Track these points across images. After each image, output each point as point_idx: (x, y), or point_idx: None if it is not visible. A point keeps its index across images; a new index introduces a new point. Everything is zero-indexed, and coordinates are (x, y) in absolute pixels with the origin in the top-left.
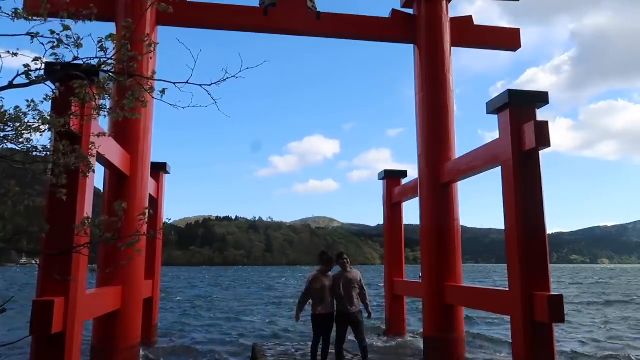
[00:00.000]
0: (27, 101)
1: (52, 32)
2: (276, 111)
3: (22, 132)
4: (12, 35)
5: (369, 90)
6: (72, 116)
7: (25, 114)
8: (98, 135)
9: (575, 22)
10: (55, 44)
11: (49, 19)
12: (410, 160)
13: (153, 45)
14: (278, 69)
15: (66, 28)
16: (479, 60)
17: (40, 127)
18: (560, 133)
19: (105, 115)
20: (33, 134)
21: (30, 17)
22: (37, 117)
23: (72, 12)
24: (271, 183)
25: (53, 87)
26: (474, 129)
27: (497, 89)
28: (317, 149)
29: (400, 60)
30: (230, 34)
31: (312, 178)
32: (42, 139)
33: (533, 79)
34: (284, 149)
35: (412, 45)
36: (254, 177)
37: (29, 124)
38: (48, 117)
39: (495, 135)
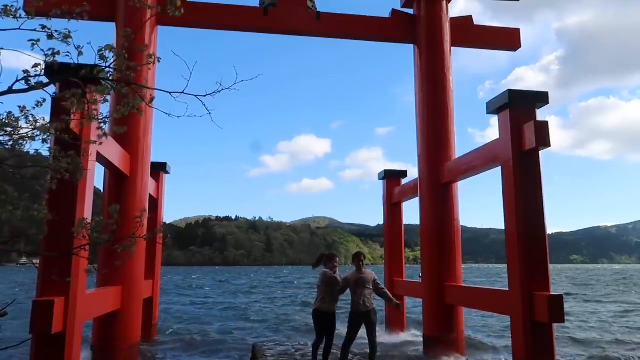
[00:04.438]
0: (20, 107)
1: (49, 34)
2: (264, 110)
3: (16, 139)
4: (10, 29)
5: (355, 88)
6: (71, 121)
7: (17, 119)
8: (98, 136)
9: (559, 20)
10: (55, 51)
11: (49, 19)
12: (403, 159)
13: (153, 58)
14: (265, 67)
15: (67, 36)
16: (467, 60)
17: (34, 134)
18: (551, 132)
19: (101, 122)
20: (28, 141)
21: (16, 15)
22: (29, 123)
23: (65, 11)
24: (264, 182)
25: (51, 94)
26: (464, 128)
27: (485, 88)
28: (308, 148)
29: (387, 58)
30: (229, 32)
31: (305, 177)
32: (35, 144)
33: (522, 78)
34: (274, 148)
35: (395, 44)
36: (247, 177)
37: (22, 131)
38: (41, 124)
39: (485, 133)
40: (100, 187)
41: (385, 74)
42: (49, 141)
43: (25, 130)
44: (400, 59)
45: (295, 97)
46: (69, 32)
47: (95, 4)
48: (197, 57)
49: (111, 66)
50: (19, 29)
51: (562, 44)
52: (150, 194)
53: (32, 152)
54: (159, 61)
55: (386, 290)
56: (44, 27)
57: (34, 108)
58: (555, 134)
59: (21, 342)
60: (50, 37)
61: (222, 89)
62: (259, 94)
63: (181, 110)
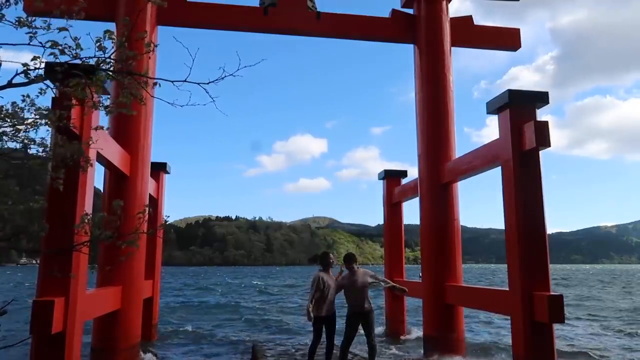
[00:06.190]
0: (23, 96)
1: (52, 42)
2: (260, 110)
3: (19, 127)
4: (12, 44)
5: (349, 87)
6: (71, 113)
7: (22, 109)
8: (96, 129)
9: (553, 20)
10: (53, 43)
11: (49, 20)
12: (400, 158)
13: (152, 45)
14: (261, 66)
15: (63, 29)
16: (464, 60)
17: (37, 122)
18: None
19: (104, 111)
20: (30, 129)
21: (30, 25)
22: (33, 112)
23: (64, 10)
24: (262, 182)
25: (52, 86)
26: (459, 127)
27: (480, 88)
28: (305, 148)
29: (382, 58)
30: (230, 32)
31: (302, 177)
32: (39, 133)
33: (517, 78)
34: (270, 148)
35: (392, 44)
36: (244, 177)
37: (25, 119)
38: (44, 112)
39: (481, 133)
40: (101, 187)
41: (380, 73)
42: (50, 130)
43: (29, 119)
44: (395, 59)
45: (290, 97)
46: (68, 32)
47: (95, 4)
48: (198, 57)
49: (111, 56)
50: (29, 44)
51: (556, 43)
52: (150, 194)
53: (37, 139)
54: (153, 49)
55: (387, 280)
56: (54, 44)
57: (37, 97)
58: (552, 134)
59: (20, 341)
60: (62, 52)
61: (226, 76)
62: (253, 94)
63: (183, 101)
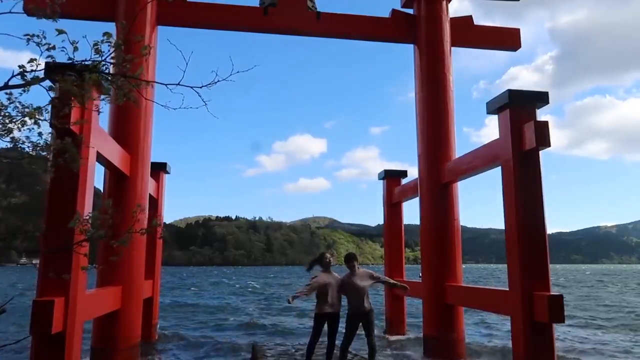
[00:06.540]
0: (7, 93)
1: (46, 44)
2: (259, 111)
3: (8, 125)
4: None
5: (347, 87)
6: (69, 114)
7: (5, 106)
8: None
9: (552, 20)
10: (50, 46)
11: (48, 20)
12: (399, 158)
13: (148, 49)
14: (259, 66)
15: (61, 32)
16: (462, 59)
17: (25, 120)
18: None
19: (94, 110)
20: (20, 128)
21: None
22: (19, 110)
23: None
24: (261, 182)
25: (47, 88)
26: (458, 127)
27: (479, 88)
28: (304, 148)
29: (380, 58)
30: (230, 32)
31: (302, 177)
32: (24, 132)
33: (516, 77)
34: (270, 148)
35: (391, 44)
36: (244, 177)
37: (13, 117)
38: (30, 109)
39: (480, 133)
40: (101, 187)
41: (380, 73)
42: (40, 127)
43: (17, 118)
44: (395, 59)
45: (289, 97)
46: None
47: (95, 4)
48: (196, 57)
49: (108, 59)
50: (10, 12)
51: (556, 43)
52: (150, 194)
53: (29, 150)
54: (150, 52)
55: (388, 279)
56: (48, 47)
57: (20, 94)
58: (552, 134)
59: (18, 341)
60: (39, 16)
61: (218, 80)
62: (252, 94)
63: (179, 103)
